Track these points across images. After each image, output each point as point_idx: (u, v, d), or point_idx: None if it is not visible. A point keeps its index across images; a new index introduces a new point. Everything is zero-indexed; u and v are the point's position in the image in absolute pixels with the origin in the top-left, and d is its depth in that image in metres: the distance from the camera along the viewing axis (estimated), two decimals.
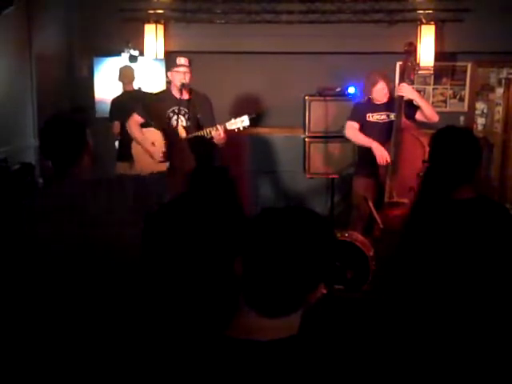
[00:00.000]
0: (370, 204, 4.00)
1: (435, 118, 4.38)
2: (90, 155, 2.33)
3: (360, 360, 1.19)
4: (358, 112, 4.64)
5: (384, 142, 4.42)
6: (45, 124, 2.32)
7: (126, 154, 4.83)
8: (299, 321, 1.20)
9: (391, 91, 4.58)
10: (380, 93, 4.51)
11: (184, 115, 4.34)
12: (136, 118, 4.48)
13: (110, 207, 2.19)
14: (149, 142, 4.44)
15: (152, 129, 4.49)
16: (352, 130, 4.59)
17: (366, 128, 4.58)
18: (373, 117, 4.58)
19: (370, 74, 4.56)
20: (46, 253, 2.14)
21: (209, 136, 4.22)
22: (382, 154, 4.33)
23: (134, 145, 4.56)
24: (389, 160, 4.30)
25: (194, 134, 4.24)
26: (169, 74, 4.42)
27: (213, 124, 4.30)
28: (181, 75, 4.28)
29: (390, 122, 4.44)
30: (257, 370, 1.11)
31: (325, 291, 1.20)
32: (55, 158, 2.27)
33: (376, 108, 4.57)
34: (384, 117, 4.55)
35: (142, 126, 4.52)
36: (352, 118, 4.63)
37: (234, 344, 1.14)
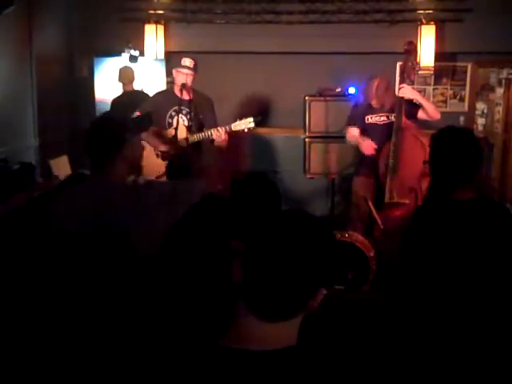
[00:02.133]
0: (370, 204, 3.99)
1: (437, 116, 4.38)
2: (128, 157, 2.30)
3: (361, 368, 1.18)
4: (356, 115, 4.63)
5: (385, 143, 4.41)
6: (91, 122, 2.30)
7: None
8: (298, 328, 1.19)
9: (391, 96, 4.56)
10: (382, 89, 4.48)
11: (186, 115, 4.33)
12: None
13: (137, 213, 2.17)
14: (152, 140, 4.43)
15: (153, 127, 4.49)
16: (349, 134, 4.62)
17: (365, 130, 4.57)
18: (372, 118, 4.57)
19: (369, 77, 4.56)
20: (69, 248, 2.13)
21: (210, 138, 4.22)
22: (367, 145, 4.36)
23: None
24: (375, 146, 4.32)
25: (195, 136, 4.24)
26: (173, 71, 4.42)
27: (215, 125, 4.30)
28: (183, 76, 4.28)
29: (391, 123, 4.42)
30: (255, 381, 1.10)
31: (325, 292, 1.20)
32: (92, 154, 2.25)
33: (375, 109, 4.56)
34: (384, 118, 4.54)
35: None
36: (349, 123, 4.66)
37: (230, 354, 1.13)
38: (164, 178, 4.01)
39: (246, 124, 4.21)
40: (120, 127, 2.28)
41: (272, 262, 1.14)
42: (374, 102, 4.53)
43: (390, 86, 4.62)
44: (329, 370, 1.15)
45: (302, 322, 1.20)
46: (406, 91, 4.33)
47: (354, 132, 4.58)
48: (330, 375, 1.14)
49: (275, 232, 1.18)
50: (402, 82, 4.42)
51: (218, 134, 4.18)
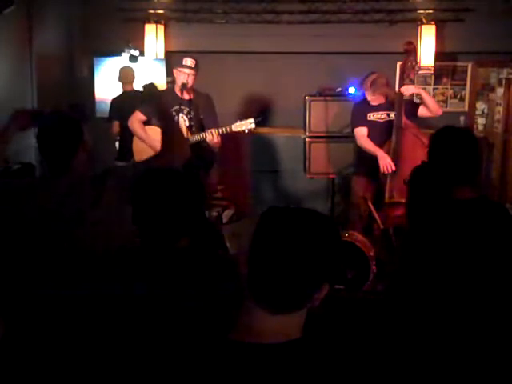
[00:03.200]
0: (370, 204, 4.00)
1: (439, 111, 4.41)
2: (86, 152, 2.31)
3: (363, 363, 1.19)
4: (360, 114, 4.62)
5: (384, 141, 4.42)
6: (40, 120, 2.31)
7: (125, 153, 4.83)
8: (303, 322, 1.21)
9: (389, 93, 4.57)
10: (378, 84, 4.48)
11: (186, 115, 4.33)
12: (138, 116, 4.47)
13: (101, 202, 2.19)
14: (151, 140, 4.43)
15: (154, 127, 4.49)
16: (363, 139, 4.56)
17: (367, 128, 4.57)
18: (373, 116, 4.58)
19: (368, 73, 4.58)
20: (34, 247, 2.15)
21: (203, 139, 4.22)
22: (386, 164, 4.30)
23: (135, 141, 4.55)
24: (393, 168, 4.28)
25: (193, 137, 4.24)
26: (174, 70, 4.41)
27: (215, 125, 4.30)
28: (184, 76, 4.28)
29: (390, 121, 4.43)
30: (261, 373, 1.11)
31: (328, 288, 1.22)
32: (50, 153, 2.26)
33: (376, 107, 4.56)
34: (384, 116, 4.55)
35: (145, 123, 4.52)
36: (359, 124, 4.61)
37: (239, 348, 1.15)
38: None
39: (247, 125, 4.21)
40: (77, 124, 2.29)
41: (277, 255, 1.16)
42: (370, 98, 4.53)
43: (388, 83, 4.61)
44: (333, 363, 1.16)
45: (306, 323, 1.21)
46: (410, 89, 4.35)
47: (363, 132, 4.57)
48: (335, 367, 1.16)
49: (280, 227, 1.19)
50: (401, 81, 4.43)
51: (210, 138, 4.19)
